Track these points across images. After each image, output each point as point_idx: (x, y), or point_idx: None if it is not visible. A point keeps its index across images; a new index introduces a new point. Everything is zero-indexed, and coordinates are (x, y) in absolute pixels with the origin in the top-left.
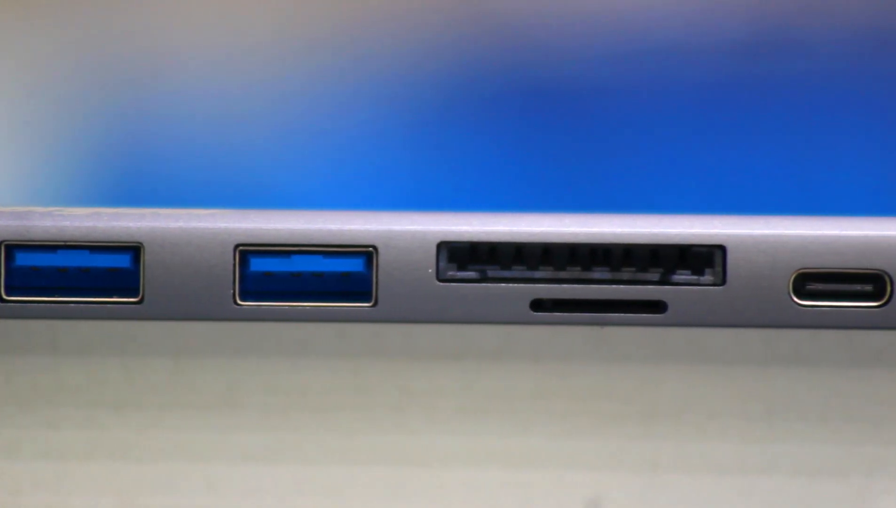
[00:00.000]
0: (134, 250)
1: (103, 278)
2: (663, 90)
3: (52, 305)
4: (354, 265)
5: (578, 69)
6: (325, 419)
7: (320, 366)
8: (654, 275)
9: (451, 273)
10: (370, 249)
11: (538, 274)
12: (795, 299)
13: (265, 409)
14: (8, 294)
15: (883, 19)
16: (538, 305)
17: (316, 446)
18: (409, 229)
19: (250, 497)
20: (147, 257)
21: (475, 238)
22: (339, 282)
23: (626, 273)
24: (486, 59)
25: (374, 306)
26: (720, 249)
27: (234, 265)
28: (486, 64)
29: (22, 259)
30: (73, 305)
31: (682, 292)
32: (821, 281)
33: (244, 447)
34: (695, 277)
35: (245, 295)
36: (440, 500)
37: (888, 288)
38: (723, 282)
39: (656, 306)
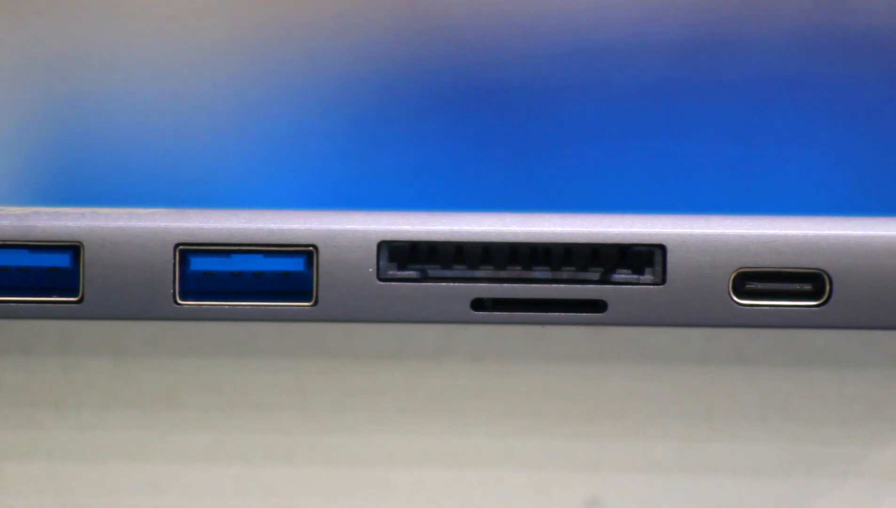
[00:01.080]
0: (74, 249)
1: (43, 278)
2: (604, 90)
3: None
4: (295, 265)
5: (519, 69)
6: (266, 418)
7: (261, 365)
8: (595, 274)
9: (391, 272)
10: (311, 248)
11: (479, 273)
12: (735, 298)
13: (206, 409)
14: None
15: (822, 19)
16: (479, 304)
17: (257, 445)
18: (350, 229)
19: (192, 496)
20: (87, 257)
21: (416, 237)
22: (279, 281)
23: (567, 273)
24: (427, 59)
25: (314, 305)
26: (660, 248)
27: (175, 265)
28: (427, 63)
29: None
30: (12, 304)
31: (622, 291)
32: (760, 280)
33: (185, 446)
34: (635, 276)
35: (185, 294)
36: (382, 499)
37: (827, 287)
38: (663, 281)
39: (596, 306)
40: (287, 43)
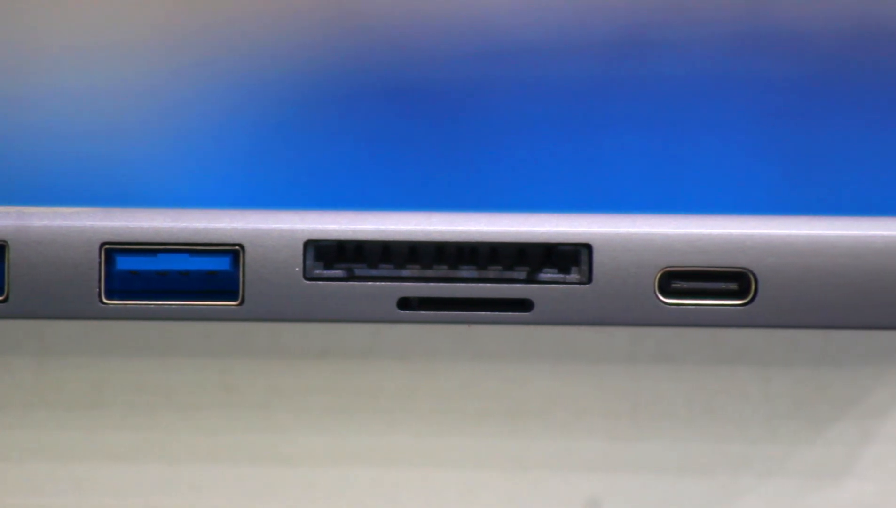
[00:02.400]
0: None
1: None
2: (530, 88)
3: None
4: (221, 264)
5: (446, 67)
6: (191, 417)
7: (187, 365)
8: (521, 273)
9: (318, 272)
10: (237, 247)
11: (405, 273)
12: (661, 297)
13: (131, 408)
14: None
15: (748, 18)
16: (405, 303)
17: (183, 445)
18: (276, 228)
19: (117, 496)
20: (12, 256)
21: (342, 237)
22: (205, 280)
23: (493, 272)
24: (352, 57)
25: (240, 304)
26: (586, 247)
27: (100, 264)
28: (353, 61)
29: None
30: None
31: (548, 290)
32: (686, 279)
33: (110, 446)
34: (561, 275)
35: (111, 294)
36: (308, 498)
37: (752, 286)
38: (589, 280)
39: (523, 305)
40: (212, 39)
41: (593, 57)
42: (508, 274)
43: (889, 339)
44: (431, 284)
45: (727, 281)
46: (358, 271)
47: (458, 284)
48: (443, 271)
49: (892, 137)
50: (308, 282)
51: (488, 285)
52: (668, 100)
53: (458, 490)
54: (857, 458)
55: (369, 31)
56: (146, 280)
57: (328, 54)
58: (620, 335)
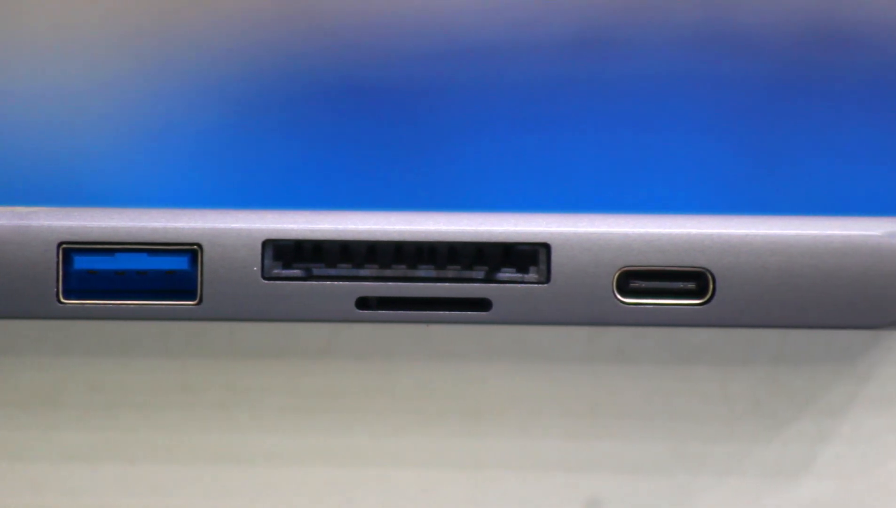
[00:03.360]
0: None
1: None
2: (489, 89)
3: None
4: (179, 263)
5: (404, 67)
6: (149, 417)
7: (145, 364)
8: (479, 273)
9: (276, 271)
10: (195, 246)
11: (363, 272)
12: (619, 296)
13: (89, 408)
14: None
15: (706, 18)
16: (363, 303)
17: (141, 445)
18: (234, 227)
19: (74, 496)
20: None
21: (300, 236)
22: (163, 280)
23: (452, 271)
24: (311, 56)
25: (198, 304)
26: (545, 247)
27: (58, 263)
28: (311, 60)
29: None
30: None
31: (506, 289)
32: (644, 279)
33: (68, 446)
34: (519, 275)
35: (69, 293)
36: (266, 498)
37: (710, 286)
38: (547, 280)
39: (481, 304)
40: (170, 39)
41: (552, 57)
42: (467, 274)
43: (846, 338)
44: (390, 283)
45: (685, 281)
46: (316, 271)
47: (416, 283)
48: (401, 270)
49: (849, 137)
50: (266, 282)
51: (447, 284)
52: (627, 101)
53: (415, 490)
54: (815, 457)
55: (329, 32)
56: (104, 280)
57: (288, 55)
58: (579, 334)
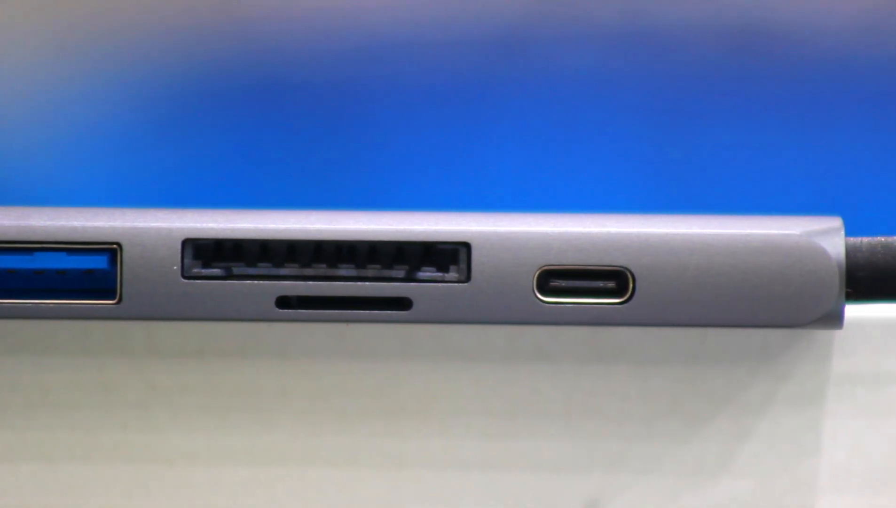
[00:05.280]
0: None
1: None
2: (408, 87)
3: None
4: (98, 262)
5: (322, 67)
6: (67, 417)
7: (63, 364)
8: (400, 272)
9: (196, 270)
10: (114, 246)
11: (284, 271)
12: (539, 295)
13: (6, 408)
14: None
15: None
16: (284, 302)
17: (58, 444)
18: (154, 226)
19: None
20: None
21: (220, 235)
22: (82, 279)
23: (372, 271)
24: (229, 57)
25: (118, 303)
26: (465, 246)
27: None
28: (230, 61)
29: None
30: None
31: (426, 289)
32: (564, 278)
33: None
34: (440, 274)
35: None
36: (185, 497)
37: (630, 285)
38: (467, 279)
39: (401, 303)
40: (93, 43)
41: (470, 56)
42: (387, 273)
43: (765, 337)
44: (310, 282)
45: (605, 280)
46: (236, 270)
47: (336, 282)
48: (322, 269)
49: (767, 137)
50: (186, 281)
51: (367, 283)
52: (546, 100)
53: (334, 489)
54: (733, 456)
55: (246, 31)
56: (22, 279)
57: (206, 54)
58: (499, 333)
